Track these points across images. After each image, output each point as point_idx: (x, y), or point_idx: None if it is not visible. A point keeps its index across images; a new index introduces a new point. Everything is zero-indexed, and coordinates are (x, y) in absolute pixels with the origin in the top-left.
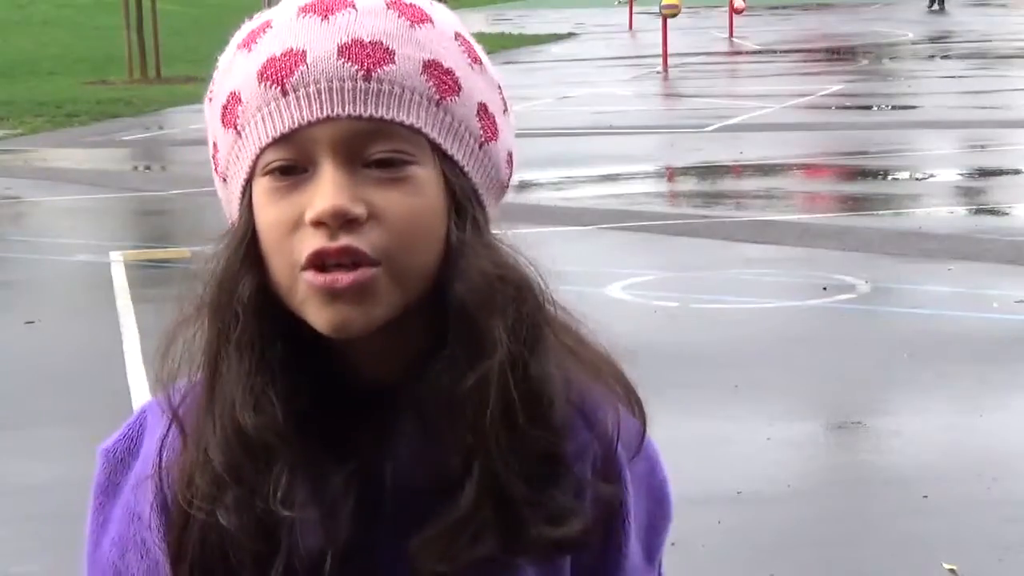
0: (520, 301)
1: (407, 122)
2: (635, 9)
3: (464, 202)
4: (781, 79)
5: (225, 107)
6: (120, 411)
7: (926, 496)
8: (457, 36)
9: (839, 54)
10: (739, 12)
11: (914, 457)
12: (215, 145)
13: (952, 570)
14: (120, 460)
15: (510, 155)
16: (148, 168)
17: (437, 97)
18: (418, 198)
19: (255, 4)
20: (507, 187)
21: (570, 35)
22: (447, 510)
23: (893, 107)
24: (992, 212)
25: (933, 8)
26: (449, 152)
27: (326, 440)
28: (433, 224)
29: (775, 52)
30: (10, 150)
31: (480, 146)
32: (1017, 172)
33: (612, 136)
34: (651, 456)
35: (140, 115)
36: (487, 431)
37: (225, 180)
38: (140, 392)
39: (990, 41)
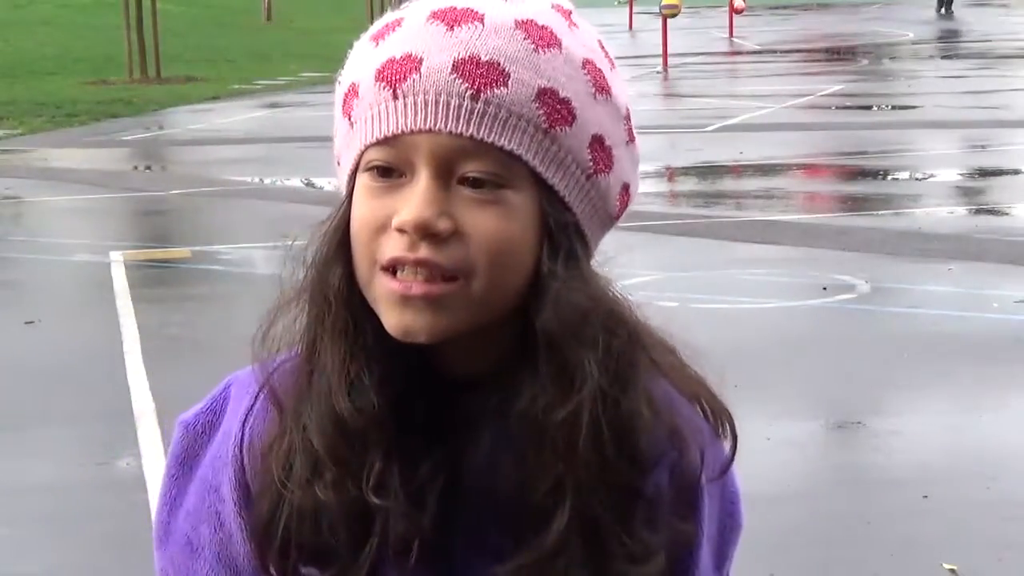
0: (612, 335)
1: (507, 147)
2: (635, 9)
3: (558, 234)
4: (781, 79)
5: (346, 96)
6: (120, 411)
7: (926, 496)
8: (586, 64)
9: (839, 54)
10: (739, 12)
11: (914, 457)
12: (336, 128)
13: (952, 570)
14: (200, 432)
15: (625, 186)
16: (148, 168)
17: (545, 126)
18: (507, 221)
19: (255, 4)
20: (617, 218)
21: None
22: (535, 539)
23: (893, 107)
24: (992, 212)
25: (941, 13)
26: (550, 182)
27: (417, 428)
28: (520, 250)
29: (775, 52)
30: (10, 150)
31: (588, 178)
32: (1017, 172)
33: None
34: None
35: (140, 115)
36: (578, 463)
37: (339, 163)
38: (140, 392)
39: (990, 41)
